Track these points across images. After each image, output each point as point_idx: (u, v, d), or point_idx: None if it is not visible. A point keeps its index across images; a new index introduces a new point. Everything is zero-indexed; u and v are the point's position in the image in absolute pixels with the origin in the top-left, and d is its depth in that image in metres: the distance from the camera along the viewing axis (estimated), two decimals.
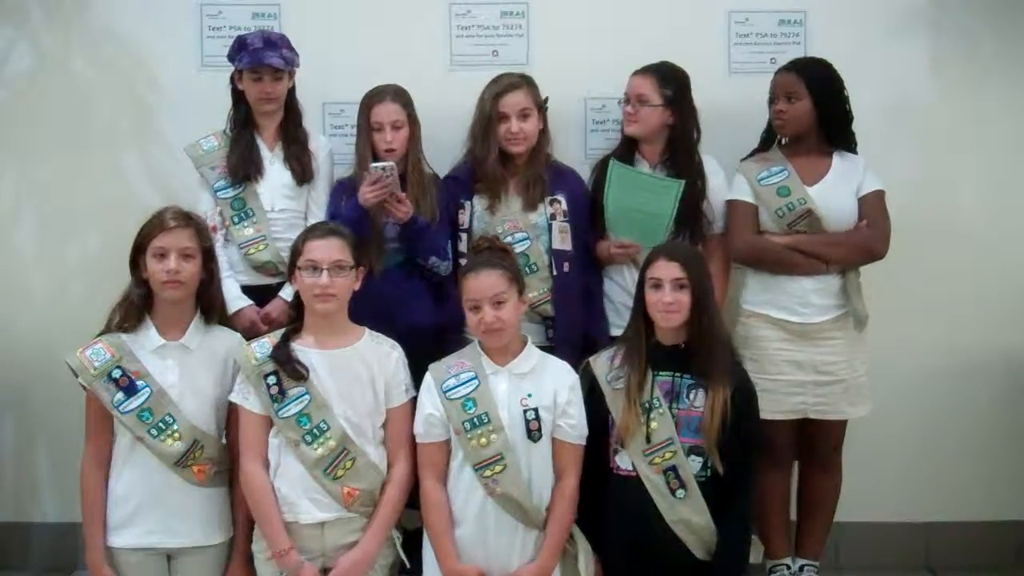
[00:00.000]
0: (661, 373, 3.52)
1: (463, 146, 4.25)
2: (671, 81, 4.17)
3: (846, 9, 4.58)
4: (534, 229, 4.14)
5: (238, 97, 4.18)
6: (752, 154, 4.27)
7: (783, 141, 4.23)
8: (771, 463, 4.09)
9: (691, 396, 3.49)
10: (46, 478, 4.66)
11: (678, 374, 3.51)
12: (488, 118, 4.13)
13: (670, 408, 3.49)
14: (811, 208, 4.05)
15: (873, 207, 4.10)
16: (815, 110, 4.08)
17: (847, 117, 4.15)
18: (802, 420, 4.11)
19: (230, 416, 3.59)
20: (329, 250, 3.49)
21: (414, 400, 3.59)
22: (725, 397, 3.44)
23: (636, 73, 4.19)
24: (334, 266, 3.46)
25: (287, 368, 3.46)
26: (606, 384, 3.57)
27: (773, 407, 4.01)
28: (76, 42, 4.58)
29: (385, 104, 4.13)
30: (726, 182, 4.26)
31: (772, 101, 4.17)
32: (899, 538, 4.67)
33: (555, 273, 4.13)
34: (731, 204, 4.20)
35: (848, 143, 4.17)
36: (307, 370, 3.47)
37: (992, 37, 4.59)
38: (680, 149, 4.19)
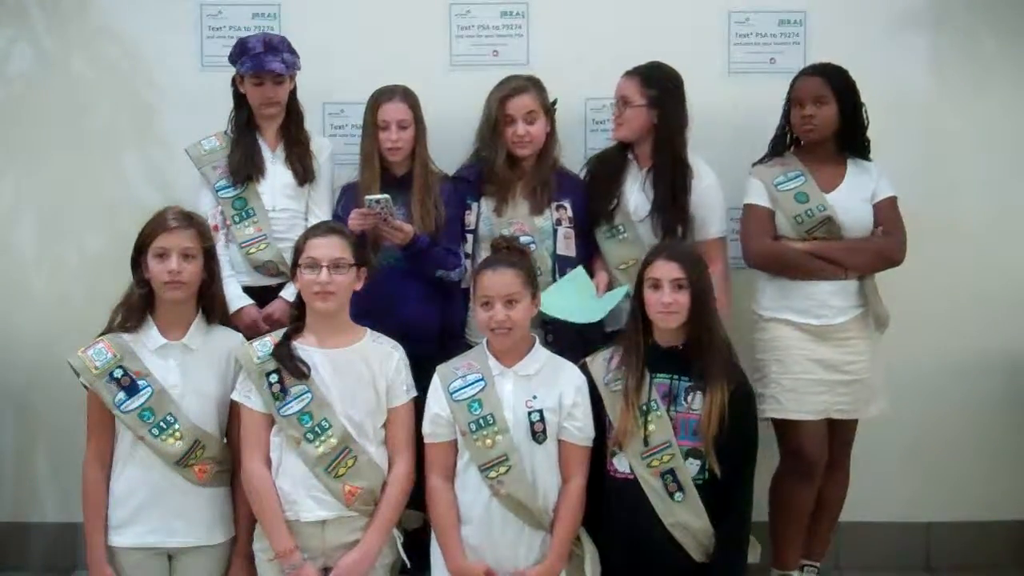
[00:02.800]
0: (659, 375, 3.52)
1: (471, 147, 4.26)
2: (655, 81, 4.13)
3: (846, 9, 4.58)
4: (540, 234, 4.14)
5: (239, 99, 4.19)
6: (765, 159, 4.23)
7: (795, 146, 4.21)
8: (798, 473, 4.10)
9: (689, 399, 3.48)
10: (46, 478, 4.67)
11: (676, 376, 3.50)
12: (495, 121, 4.12)
13: (668, 411, 3.48)
14: (830, 215, 4.04)
15: (888, 213, 4.10)
16: (840, 114, 4.06)
17: (863, 124, 4.13)
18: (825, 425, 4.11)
19: (231, 416, 3.59)
20: (329, 248, 3.49)
21: (415, 400, 3.59)
22: (723, 399, 3.43)
23: (623, 75, 4.18)
24: (334, 264, 3.47)
25: (288, 366, 3.46)
26: (603, 386, 3.57)
27: (798, 407, 4.03)
28: (76, 42, 4.59)
29: (394, 103, 4.13)
30: (718, 187, 4.20)
31: (792, 105, 4.13)
32: (899, 538, 4.68)
33: (558, 279, 4.12)
34: (747, 208, 4.18)
35: (862, 149, 4.16)
36: (308, 368, 3.48)
37: (993, 37, 4.60)
38: (664, 148, 4.14)
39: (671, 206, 4.11)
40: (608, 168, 4.24)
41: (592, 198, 4.23)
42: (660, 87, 4.13)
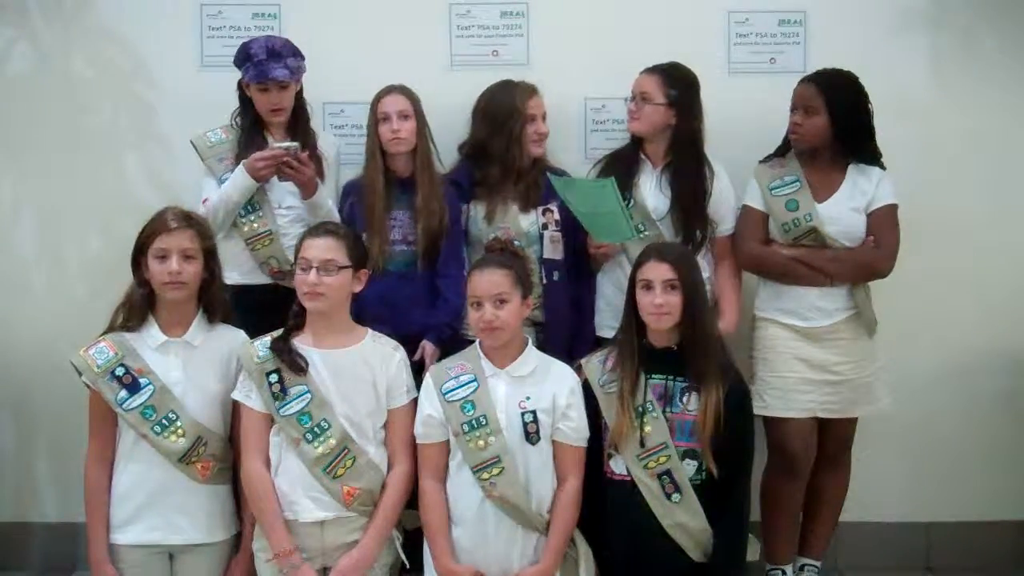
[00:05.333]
0: (654, 376, 3.52)
1: (460, 151, 4.29)
2: (677, 82, 4.16)
3: (846, 9, 4.58)
4: (526, 238, 4.13)
5: (245, 102, 4.18)
6: (771, 157, 4.26)
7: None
8: (783, 471, 4.13)
9: (684, 399, 3.49)
10: (46, 478, 4.66)
11: (671, 377, 3.51)
12: (524, 118, 4.14)
13: (663, 412, 3.49)
14: (816, 226, 4.06)
15: (882, 223, 4.10)
16: (832, 125, 4.06)
17: (867, 132, 4.13)
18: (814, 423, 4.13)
19: (234, 413, 3.59)
20: (320, 249, 3.49)
21: (416, 401, 3.59)
22: (718, 399, 3.44)
23: (644, 71, 4.19)
24: (324, 265, 3.46)
25: (286, 360, 3.47)
26: (598, 388, 3.57)
27: (784, 405, 4.06)
28: (76, 42, 4.58)
29: (392, 95, 4.17)
30: (731, 185, 4.27)
31: (793, 110, 4.15)
32: (899, 538, 4.67)
33: (545, 282, 4.14)
34: (743, 209, 4.23)
35: (867, 156, 4.15)
36: (306, 363, 3.48)
37: (992, 36, 4.59)
38: (682, 151, 4.18)
39: (692, 207, 4.16)
40: (622, 167, 4.23)
41: None
42: (680, 87, 4.16)
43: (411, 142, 4.15)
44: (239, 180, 4.01)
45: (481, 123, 4.22)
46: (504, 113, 4.16)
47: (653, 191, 4.21)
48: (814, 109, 4.06)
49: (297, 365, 3.47)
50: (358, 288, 3.58)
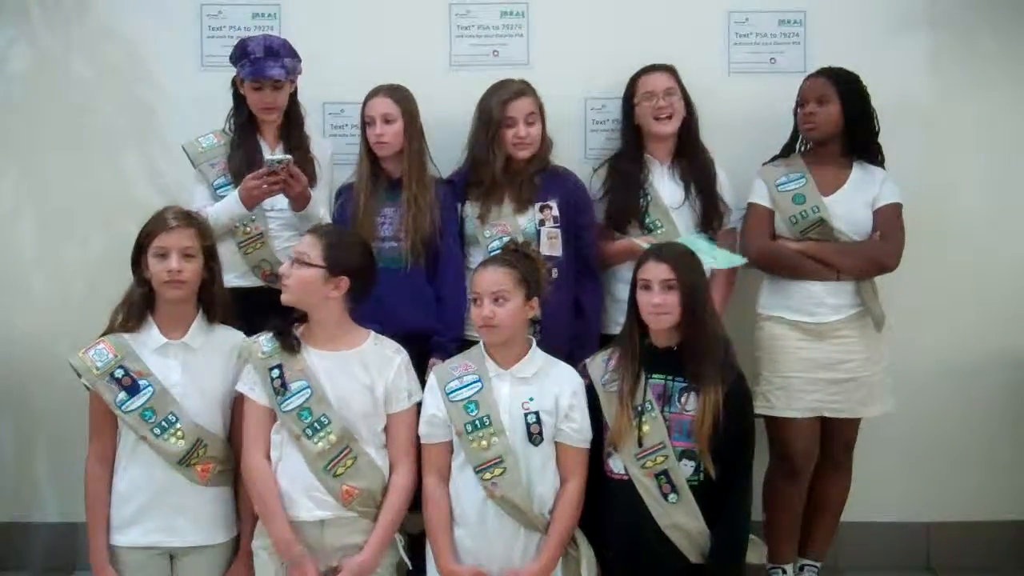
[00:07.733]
0: (654, 376, 3.52)
1: (462, 151, 4.27)
2: (677, 77, 4.25)
3: (846, 9, 4.58)
4: (523, 235, 4.08)
5: (239, 99, 4.16)
6: (774, 159, 4.28)
7: (806, 148, 4.25)
8: (786, 472, 4.13)
9: (683, 399, 3.48)
10: (46, 478, 4.66)
11: (670, 377, 3.51)
12: (498, 123, 4.12)
13: (662, 411, 3.49)
14: (824, 217, 4.08)
15: (887, 219, 4.12)
16: (844, 115, 4.09)
17: (872, 129, 4.17)
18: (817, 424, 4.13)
19: (234, 414, 3.59)
20: (302, 243, 3.52)
21: (418, 405, 3.58)
22: (717, 400, 3.43)
23: (655, 70, 4.24)
24: (297, 256, 3.48)
25: (284, 342, 3.48)
26: (600, 387, 3.57)
27: (787, 405, 4.07)
28: (76, 42, 4.58)
29: (378, 98, 4.15)
30: (728, 181, 4.31)
31: (800, 106, 4.17)
32: (900, 538, 4.67)
33: None
34: (749, 207, 4.25)
35: (871, 155, 4.19)
36: (298, 343, 3.49)
37: (992, 36, 4.59)
38: (690, 140, 4.26)
39: (708, 189, 4.24)
40: (633, 166, 4.26)
41: (620, 198, 4.26)
42: (680, 83, 4.25)
43: (396, 145, 4.14)
44: (232, 207, 3.98)
45: (473, 123, 4.23)
46: (485, 116, 4.17)
47: (668, 184, 4.25)
48: (827, 99, 4.09)
49: (290, 346, 3.48)
50: (334, 294, 3.51)
